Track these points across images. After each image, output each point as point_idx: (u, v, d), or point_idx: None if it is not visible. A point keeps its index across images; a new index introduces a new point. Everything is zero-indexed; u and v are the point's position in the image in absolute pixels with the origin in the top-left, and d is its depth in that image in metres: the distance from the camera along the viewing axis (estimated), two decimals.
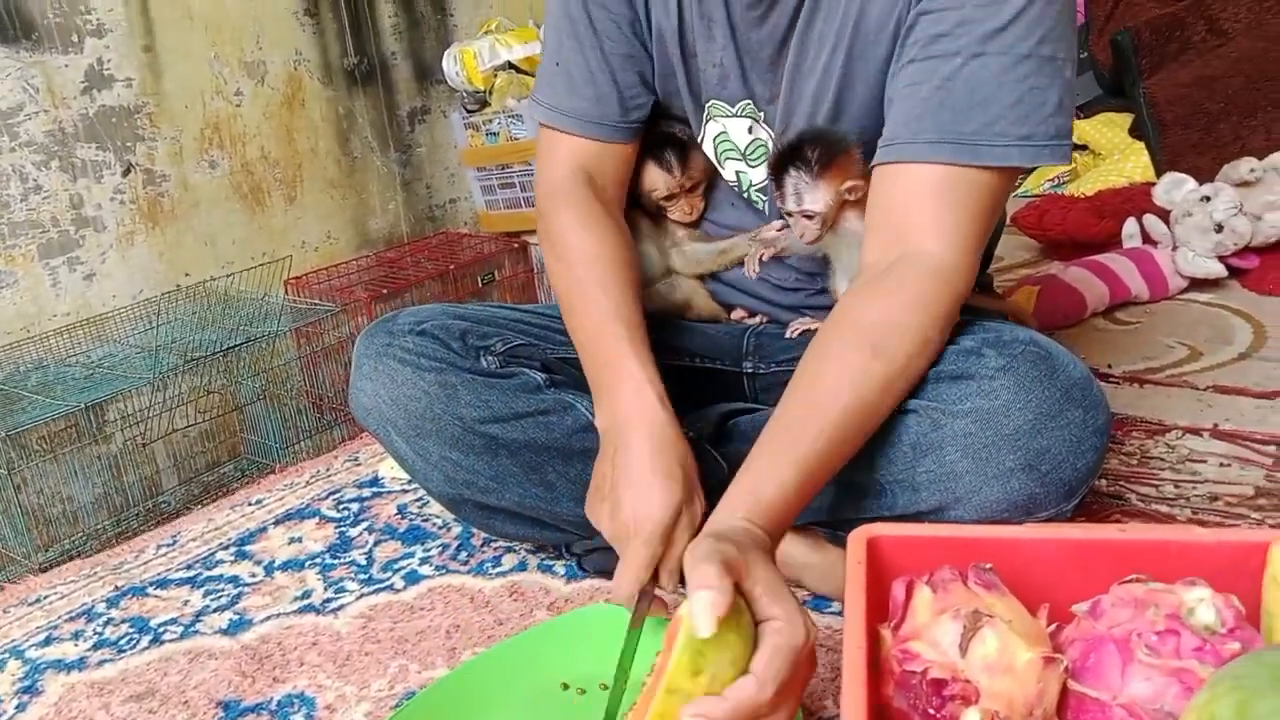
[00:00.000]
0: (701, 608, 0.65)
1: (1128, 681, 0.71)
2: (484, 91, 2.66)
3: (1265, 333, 1.61)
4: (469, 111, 2.73)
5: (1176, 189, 1.83)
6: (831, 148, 0.98)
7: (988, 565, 0.79)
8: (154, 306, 2.26)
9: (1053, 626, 0.80)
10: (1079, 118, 2.63)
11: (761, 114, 1.05)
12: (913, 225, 0.89)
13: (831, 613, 1.02)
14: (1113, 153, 2.36)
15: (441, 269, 2.59)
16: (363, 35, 2.75)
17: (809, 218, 1.00)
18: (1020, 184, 2.64)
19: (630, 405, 0.94)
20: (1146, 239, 1.88)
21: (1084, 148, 2.56)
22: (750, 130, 1.06)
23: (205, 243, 2.45)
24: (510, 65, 2.61)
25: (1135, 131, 2.31)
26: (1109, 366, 1.54)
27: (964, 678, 0.71)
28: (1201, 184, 1.82)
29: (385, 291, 2.48)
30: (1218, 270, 1.77)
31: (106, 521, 2.06)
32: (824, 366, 0.85)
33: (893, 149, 0.92)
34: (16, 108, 2.10)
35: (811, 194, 0.99)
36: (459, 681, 0.91)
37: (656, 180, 1.13)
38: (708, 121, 1.08)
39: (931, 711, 0.71)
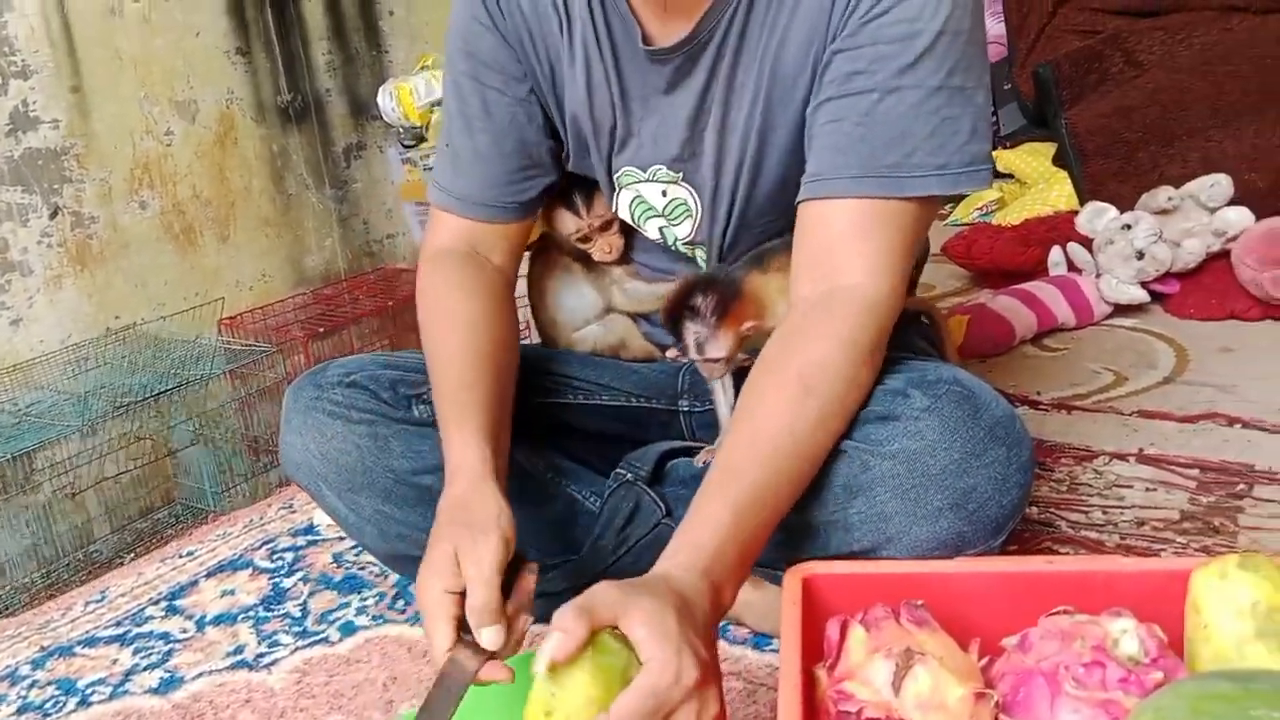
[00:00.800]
0: (544, 649, 0.65)
1: (1056, 714, 0.72)
2: (420, 127, 2.65)
3: (1187, 356, 1.65)
4: (406, 147, 2.72)
5: (1098, 218, 1.88)
6: (724, 292, 1.00)
7: (919, 602, 0.80)
8: (83, 351, 2.22)
9: (984, 660, 0.81)
10: (1005, 148, 2.69)
11: (679, 174, 1.05)
12: (839, 260, 0.90)
13: (771, 650, 1.02)
14: (1038, 181, 2.42)
15: (380, 305, 2.57)
16: (296, 72, 2.73)
17: (714, 362, 1.02)
18: (950, 213, 2.70)
19: (451, 471, 0.92)
20: (1071, 267, 1.92)
21: (1010, 177, 2.62)
22: (665, 193, 1.07)
23: (136, 285, 2.41)
24: None
25: (1059, 161, 2.37)
26: (1038, 394, 1.57)
27: (898, 716, 0.72)
28: (1122, 211, 1.87)
29: (322, 330, 2.45)
30: (1141, 296, 1.82)
31: (36, 574, 2.01)
32: (761, 407, 0.86)
33: (817, 184, 0.93)
34: None
35: (713, 343, 1.01)
36: None
37: (567, 223, 1.14)
38: (620, 190, 1.09)
39: None
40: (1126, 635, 0.75)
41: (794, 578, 0.84)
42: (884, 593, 0.83)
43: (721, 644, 1.02)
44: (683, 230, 1.09)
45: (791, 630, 0.79)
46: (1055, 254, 1.94)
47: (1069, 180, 2.28)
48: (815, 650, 0.81)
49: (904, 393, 0.90)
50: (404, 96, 2.64)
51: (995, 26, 3.05)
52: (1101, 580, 0.83)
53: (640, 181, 1.07)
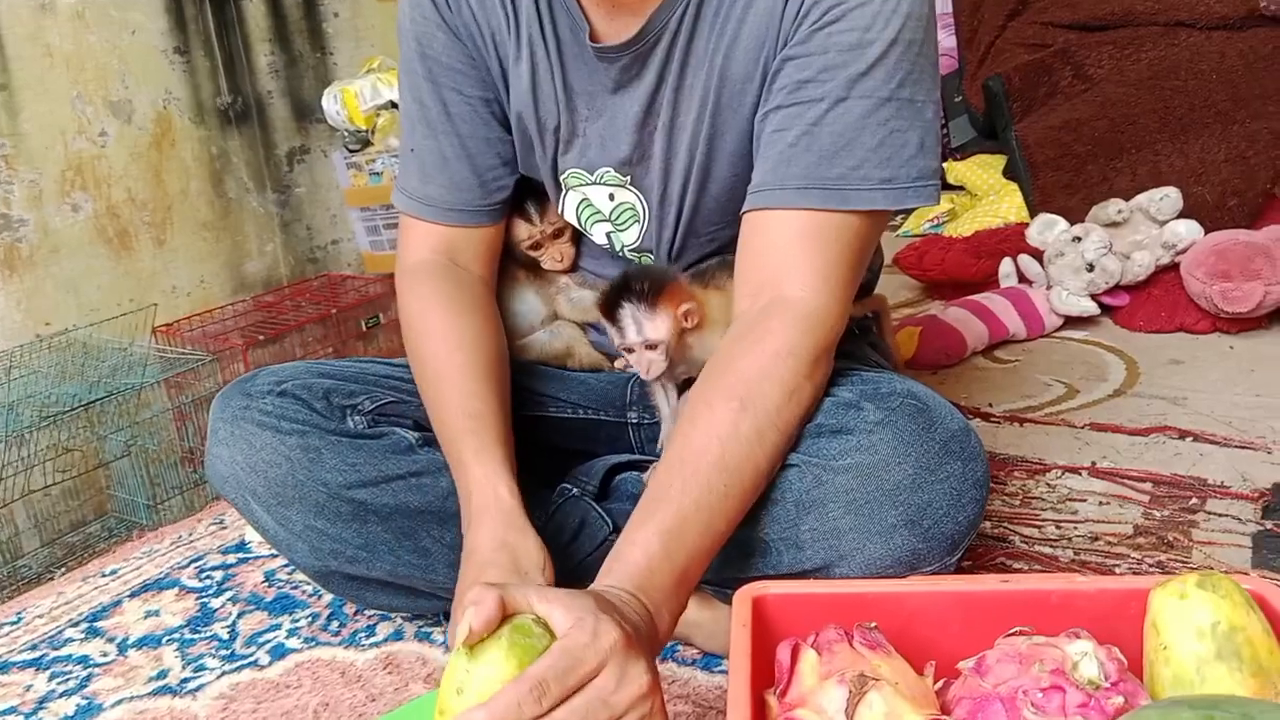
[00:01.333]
0: (461, 624, 0.63)
1: None
2: (366, 131, 2.61)
3: (1138, 369, 1.65)
4: (351, 151, 2.67)
5: (1049, 230, 1.88)
6: (659, 279, 0.99)
7: (873, 624, 0.77)
8: (8, 359, 2.14)
9: (940, 684, 0.78)
10: (955, 159, 2.70)
11: (627, 177, 1.02)
12: (780, 271, 0.88)
13: (721, 671, 0.99)
14: (988, 194, 2.43)
15: (323, 312, 2.51)
16: (237, 74, 2.67)
17: (652, 348, 0.99)
18: (901, 224, 2.70)
19: (477, 509, 0.91)
20: (1022, 278, 1.92)
21: (961, 189, 2.63)
22: (612, 197, 1.04)
23: (67, 290, 2.34)
24: (393, 104, 2.57)
25: (1009, 173, 2.37)
26: (990, 405, 1.55)
27: None
28: (1072, 223, 1.87)
29: (263, 337, 2.39)
30: (1091, 308, 1.82)
31: None
32: (694, 424, 0.83)
33: (761, 195, 0.90)
34: None
35: (651, 324, 0.98)
36: None
37: (519, 230, 1.10)
38: (566, 193, 1.06)
39: None
40: (1086, 658, 0.72)
41: (744, 599, 0.80)
42: (836, 613, 0.80)
43: (670, 665, 0.99)
44: (629, 236, 1.05)
45: (740, 655, 0.76)
46: (1006, 265, 1.94)
47: (1019, 192, 2.28)
48: (766, 673, 0.78)
49: (856, 405, 0.87)
50: (349, 100, 2.59)
51: (946, 39, 3.07)
52: (1058, 600, 0.81)
53: (587, 184, 1.04)
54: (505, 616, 0.64)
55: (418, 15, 1.01)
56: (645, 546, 0.77)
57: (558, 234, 1.12)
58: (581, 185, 1.04)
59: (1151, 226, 1.83)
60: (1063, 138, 2.23)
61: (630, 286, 0.98)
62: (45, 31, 2.23)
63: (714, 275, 1.02)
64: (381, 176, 2.63)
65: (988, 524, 1.21)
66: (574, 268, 1.15)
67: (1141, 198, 1.84)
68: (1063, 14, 2.55)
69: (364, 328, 2.62)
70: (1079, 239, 1.81)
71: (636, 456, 1.12)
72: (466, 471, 0.94)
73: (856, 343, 1.17)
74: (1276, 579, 1.06)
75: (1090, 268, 1.79)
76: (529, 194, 1.10)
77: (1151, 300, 1.80)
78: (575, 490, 1.08)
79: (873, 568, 0.86)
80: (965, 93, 2.77)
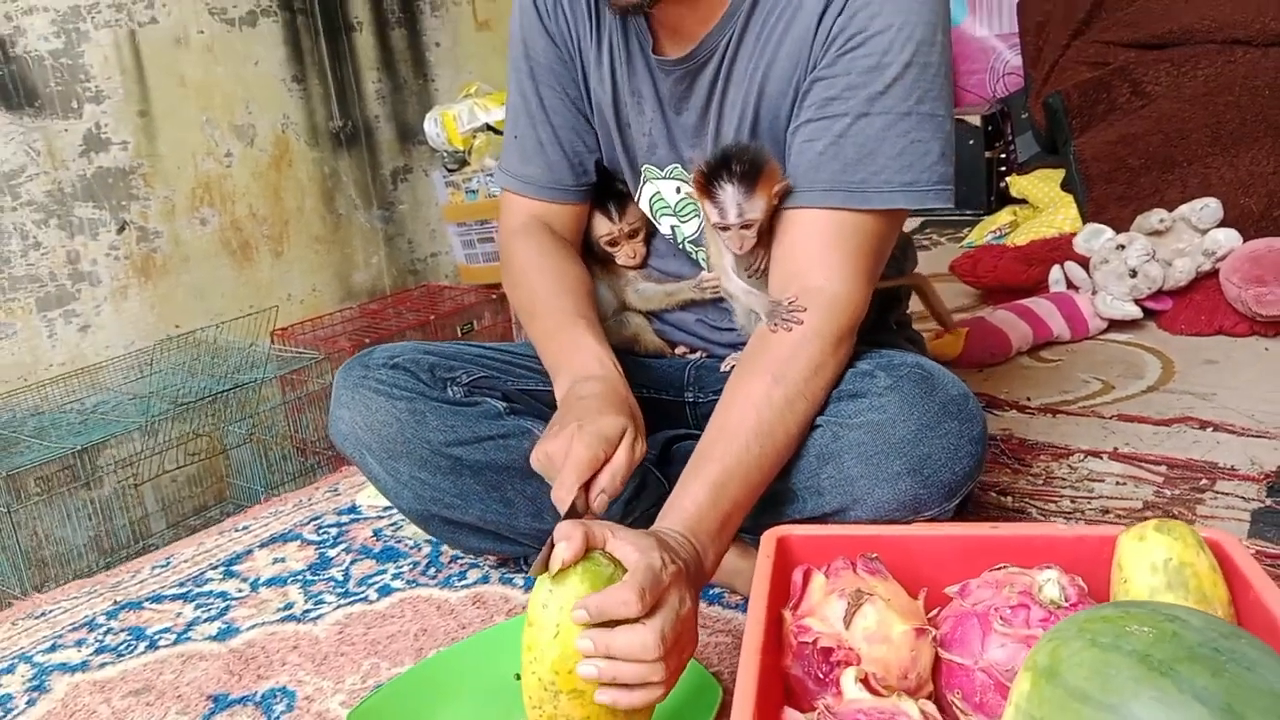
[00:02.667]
0: (555, 555, 0.79)
1: (987, 649, 0.84)
2: (463, 151, 2.81)
3: (1174, 368, 1.75)
4: (449, 170, 2.87)
5: (1095, 238, 1.98)
6: (756, 160, 1.05)
7: (874, 555, 0.92)
8: (145, 356, 2.38)
9: (934, 612, 0.92)
10: (1020, 174, 2.80)
11: (690, 175, 1.19)
12: (807, 264, 1.03)
13: None
14: (1048, 206, 2.53)
15: (423, 319, 2.71)
16: (348, 99, 2.90)
17: (748, 227, 1.05)
18: (966, 236, 2.81)
19: (587, 366, 1.06)
20: (1070, 284, 2.03)
21: (1024, 201, 2.73)
22: (679, 190, 1.20)
23: (195, 296, 2.59)
24: (488, 127, 2.76)
25: (1066, 186, 2.47)
26: (1028, 399, 1.67)
27: (848, 646, 0.84)
28: (1120, 233, 1.98)
29: (368, 341, 2.59)
30: (1133, 312, 1.92)
31: (96, 564, 2.16)
32: (734, 396, 0.99)
33: (791, 197, 1.06)
34: (19, 170, 2.25)
35: (749, 202, 1.04)
36: (423, 672, 1.03)
37: (600, 226, 1.27)
38: (644, 183, 1.22)
39: (820, 675, 0.84)
40: (1050, 583, 0.86)
41: (769, 538, 0.96)
42: (847, 551, 0.94)
43: (715, 608, 1.15)
44: (690, 228, 1.22)
45: (762, 580, 0.91)
46: (1055, 272, 2.05)
47: (1075, 204, 2.38)
48: (784, 598, 0.93)
49: (871, 374, 1.03)
50: (448, 123, 2.80)
51: (1013, 58, 3.17)
52: (1041, 544, 0.95)
53: (659, 179, 1.21)
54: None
55: (525, 21, 1.20)
56: (695, 497, 0.93)
57: (634, 233, 1.29)
58: (654, 179, 1.21)
59: (1193, 235, 1.92)
60: (1118, 151, 2.33)
61: (730, 166, 1.04)
62: (180, 63, 2.49)
63: None
64: (477, 194, 2.83)
65: (1008, 499, 1.34)
66: (643, 265, 1.32)
67: (1184, 208, 1.94)
68: (1124, 33, 2.64)
69: (459, 333, 2.82)
70: (1123, 246, 1.92)
71: (692, 430, 1.28)
72: (576, 346, 1.08)
73: (893, 336, 1.31)
74: (1267, 547, 1.17)
75: (1133, 274, 1.89)
76: (611, 196, 1.28)
77: (1192, 305, 1.90)
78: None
79: (881, 511, 1.01)
80: (1030, 109, 2.88)
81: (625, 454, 0.96)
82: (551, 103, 1.21)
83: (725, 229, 1.07)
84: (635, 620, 0.78)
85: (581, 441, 0.93)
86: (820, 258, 1.03)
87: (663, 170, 1.20)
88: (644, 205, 1.24)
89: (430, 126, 2.81)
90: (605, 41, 1.16)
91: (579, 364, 1.07)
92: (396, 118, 3.03)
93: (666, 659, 0.78)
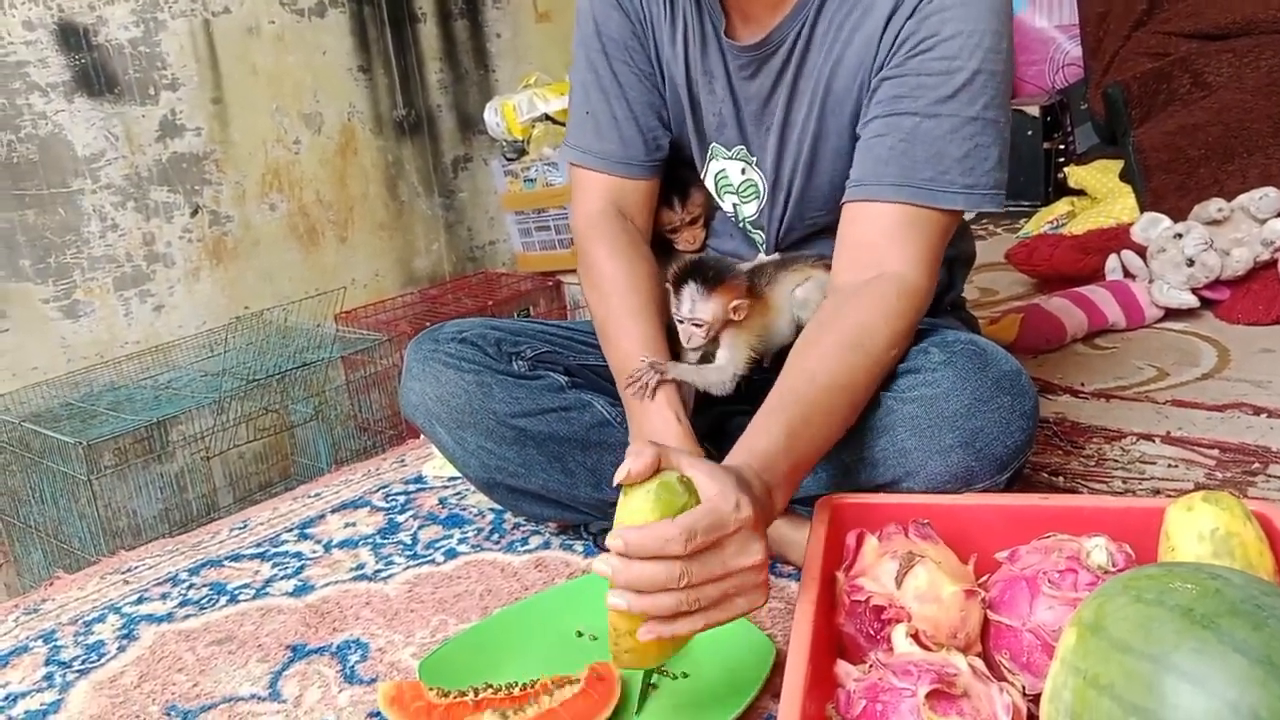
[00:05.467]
0: (623, 466, 0.79)
1: (1035, 611, 0.87)
2: (522, 141, 2.85)
3: (1229, 356, 1.75)
4: (508, 160, 2.92)
5: (1152, 227, 1.98)
6: (722, 271, 1.15)
7: (925, 521, 0.95)
8: (216, 336, 2.47)
9: (984, 578, 0.95)
10: (1078, 165, 2.79)
11: (754, 158, 1.22)
12: (882, 253, 1.06)
13: None
14: (1105, 196, 2.52)
15: (481, 305, 2.77)
16: (411, 89, 2.97)
17: (698, 325, 1.15)
18: (1022, 227, 2.81)
19: (656, 432, 1.11)
20: (1127, 273, 2.03)
21: (1081, 193, 2.73)
22: (743, 172, 1.24)
23: (264, 279, 2.67)
24: (547, 117, 2.81)
25: (1125, 176, 2.47)
26: (1081, 385, 1.69)
27: (899, 605, 0.87)
28: (1178, 223, 1.98)
29: (428, 324, 2.65)
30: (1190, 301, 1.92)
31: (168, 536, 2.25)
32: (808, 354, 1.02)
33: (861, 189, 1.09)
34: (99, 154, 2.34)
35: (703, 305, 1.14)
36: (490, 627, 1.08)
37: (663, 216, 1.32)
38: (710, 160, 1.26)
39: (872, 632, 0.87)
40: (1098, 549, 0.89)
41: (824, 505, 1.00)
42: (900, 519, 0.98)
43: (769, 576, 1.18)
44: (749, 209, 1.26)
45: (817, 544, 0.95)
46: (1112, 261, 2.05)
47: (1133, 194, 2.38)
48: (837, 561, 0.97)
49: (925, 350, 1.07)
50: (508, 113, 2.85)
51: (1073, 49, 3.16)
52: (1089, 514, 0.97)
53: (725, 158, 1.25)
54: (656, 471, 0.79)
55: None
56: (770, 436, 0.93)
57: (694, 221, 1.33)
58: (720, 158, 1.25)
59: (1252, 224, 1.92)
60: (1177, 142, 2.32)
61: (698, 270, 1.14)
62: (251, 53, 2.57)
63: (796, 261, 1.20)
64: (535, 183, 2.88)
65: (1060, 479, 1.36)
66: (702, 248, 1.36)
67: (1243, 197, 1.93)
68: (1186, 24, 2.63)
69: (516, 319, 2.88)
70: (1180, 235, 1.92)
71: (743, 406, 1.32)
72: (650, 406, 1.13)
73: (947, 317, 1.34)
74: None
75: (1190, 263, 1.89)
76: (674, 187, 1.31)
77: (1250, 294, 1.89)
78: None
79: (934, 483, 1.04)
80: (1089, 100, 2.87)
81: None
82: (626, 78, 1.24)
83: (681, 322, 1.16)
84: (674, 558, 0.75)
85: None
86: (896, 247, 1.06)
87: (729, 150, 1.24)
88: (709, 182, 1.28)
89: (490, 116, 2.87)
90: (679, 19, 1.19)
91: (648, 429, 1.13)
92: (458, 107, 3.09)
93: (698, 588, 0.76)
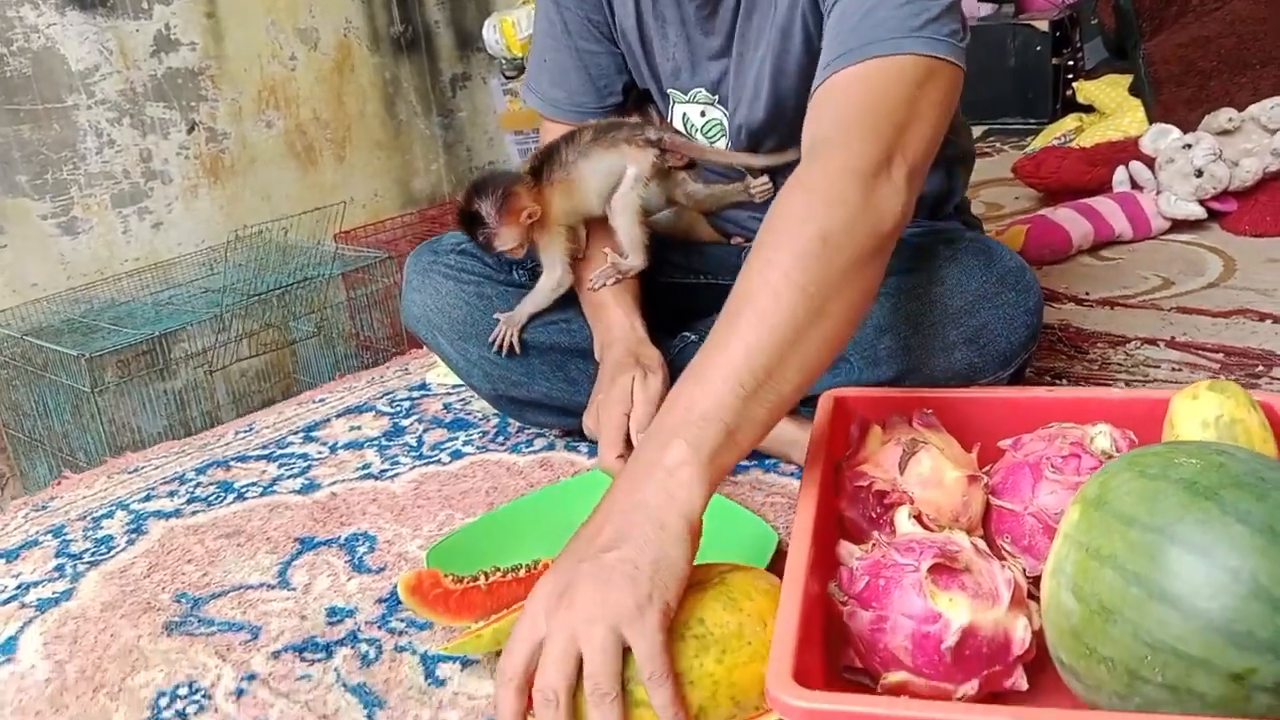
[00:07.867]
0: None
1: (1037, 495, 0.87)
2: (522, 59, 2.81)
3: (1235, 266, 1.74)
4: (507, 78, 2.88)
5: (1162, 138, 1.96)
6: (499, 195, 1.18)
7: (929, 410, 0.95)
8: (216, 253, 2.46)
9: (987, 468, 0.96)
10: (1088, 80, 2.75)
11: (715, 97, 1.20)
12: (829, 130, 0.91)
13: None
14: (1115, 110, 2.49)
15: None
16: (408, 4, 2.92)
17: (510, 252, 1.20)
18: (1029, 143, 2.78)
19: (609, 331, 1.17)
20: (1135, 185, 2.01)
21: (1090, 108, 2.69)
22: (703, 114, 1.22)
23: (262, 197, 2.65)
24: None
25: (1134, 90, 2.43)
26: (1086, 293, 1.68)
27: (901, 489, 0.88)
28: (1187, 134, 1.95)
29: None
30: (1197, 212, 1.91)
31: None
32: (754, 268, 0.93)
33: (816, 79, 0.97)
34: (93, 69, 2.30)
35: (499, 237, 1.19)
36: (496, 518, 1.09)
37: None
38: (673, 105, 1.25)
39: (874, 516, 0.88)
40: (1101, 435, 0.89)
41: (827, 398, 1.00)
42: (904, 410, 0.98)
43: (770, 475, 1.19)
44: (720, 146, 1.24)
45: (821, 432, 0.95)
46: (1120, 173, 2.03)
47: (1142, 108, 2.35)
48: (842, 453, 0.97)
49: (930, 249, 1.05)
50: (507, 29, 2.80)
51: None
52: (1094, 405, 0.97)
53: (684, 102, 1.23)
54: None
55: None
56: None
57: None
58: (680, 102, 1.24)
59: (1262, 135, 1.89)
60: (1189, 54, 2.28)
61: (475, 215, 1.18)
62: None
63: (551, 172, 1.22)
64: None
65: (1063, 382, 1.36)
66: (690, 165, 1.34)
67: (1254, 107, 1.90)
68: None
69: None
70: (1189, 146, 1.90)
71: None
72: (606, 312, 1.18)
73: (951, 219, 1.33)
74: None
75: (1199, 173, 1.87)
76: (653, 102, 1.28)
77: (1258, 206, 1.88)
78: (694, 337, 1.29)
79: (937, 379, 1.04)
80: (1099, 14, 2.81)
81: (640, 395, 1.06)
82: (576, 26, 1.23)
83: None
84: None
85: (607, 410, 1.06)
86: (838, 121, 0.92)
87: (686, 94, 1.22)
88: (677, 124, 1.26)
89: (489, 33, 2.82)
90: None
91: (601, 331, 1.19)
92: (455, 24, 3.05)
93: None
